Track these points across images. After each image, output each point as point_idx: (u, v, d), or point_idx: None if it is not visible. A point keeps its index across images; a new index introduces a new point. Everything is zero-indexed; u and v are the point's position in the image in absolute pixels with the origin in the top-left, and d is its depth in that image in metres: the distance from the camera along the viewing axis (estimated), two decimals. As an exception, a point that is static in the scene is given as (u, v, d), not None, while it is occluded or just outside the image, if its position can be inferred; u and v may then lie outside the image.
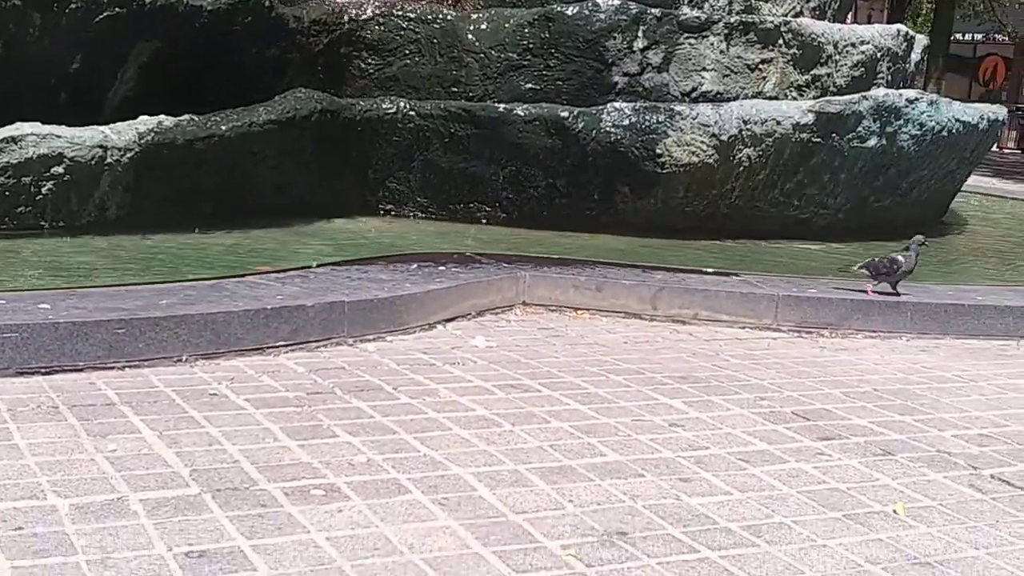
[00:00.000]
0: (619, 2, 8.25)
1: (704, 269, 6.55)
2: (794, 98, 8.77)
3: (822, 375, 4.99)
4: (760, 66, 8.75)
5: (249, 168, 7.22)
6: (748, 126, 7.83)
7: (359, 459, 3.47)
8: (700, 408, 4.31)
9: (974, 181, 12.18)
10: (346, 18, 8.23)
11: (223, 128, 6.99)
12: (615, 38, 8.24)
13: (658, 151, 7.76)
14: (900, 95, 8.43)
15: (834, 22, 10.03)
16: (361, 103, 7.90)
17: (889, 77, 9.60)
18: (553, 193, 7.96)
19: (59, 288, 4.90)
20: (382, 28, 8.28)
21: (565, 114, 7.80)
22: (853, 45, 9.22)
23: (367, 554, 2.80)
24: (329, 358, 4.69)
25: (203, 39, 7.41)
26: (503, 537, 2.96)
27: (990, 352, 5.79)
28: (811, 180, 8.24)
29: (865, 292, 6.09)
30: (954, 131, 8.83)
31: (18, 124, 6.31)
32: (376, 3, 8.35)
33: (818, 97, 8.65)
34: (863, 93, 8.41)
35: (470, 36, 8.26)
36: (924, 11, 38.20)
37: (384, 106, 7.92)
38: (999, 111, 9.75)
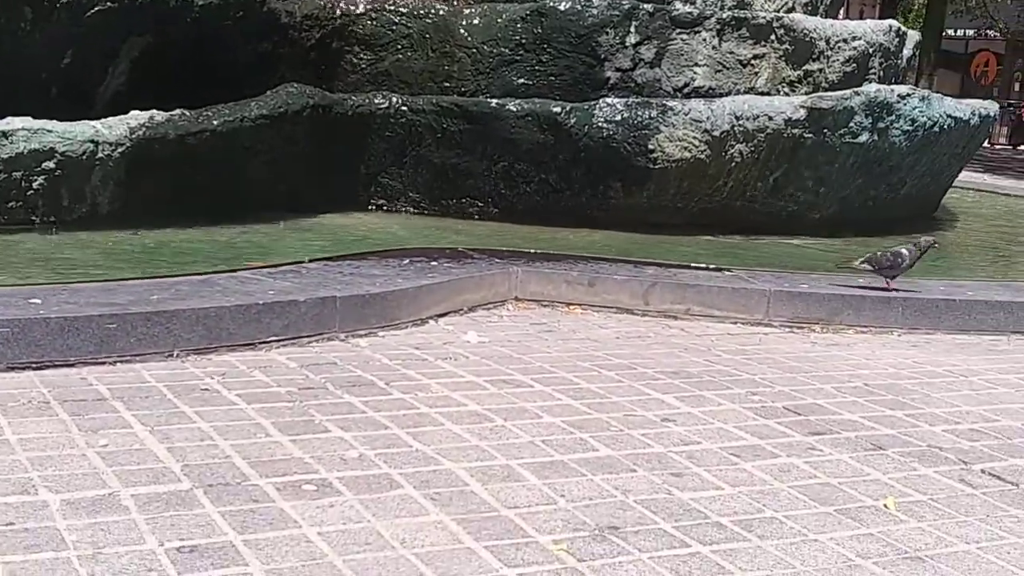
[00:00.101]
0: (611, -3, 8.26)
1: (696, 264, 6.56)
2: (786, 94, 8.77)
3: (813, 370, 5.00)
4: (752, 62, 8.76)
5: (241, 163, 7.21)
6: (740, 122, 7.84)
7: (351, 454, 3.47)
8: (692, 403, 4.31)
9: (965, 177, 12.20)
10: (338, 13, 8.22)
11: (215, 123, 6.98)
12: (607, 33, 8.24)
13: (650, 147, 7.76)
14: (892, 91, 8.44)
15: (826, 18, 10.04)
16: (353, 98, 7.90)
17: (881, 73, 9.62)
18: (545, 188, 7.96)
19: (50, 283, 4.90)
20: (374, 23, 8.28)
21: (557, 109, 7.80)
22: (845, 41, 9.23)
23: (359, 549, 2.80)
24: (321, 353, 4.69)
25: (195, 34, 7.40)
26: (495, 532, 2.96)
27: (981, 347, 5.80)
28: (803, 176, 8.25)
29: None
30: (946, 127, 8.84)
31: (8, 119, 6.29)
32: (368, -2, 8.34)
33: (810, 93, 8.66)
34: (855, 89, 8.41)
35: (462, 31, 8.25)
36: (916, 7, 38.26)
37: (376, 101, 7.91)
38: (990, 107, 9.77)
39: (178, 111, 6.87)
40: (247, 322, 4.66)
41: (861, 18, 27.36)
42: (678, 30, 8.47)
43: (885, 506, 3.36)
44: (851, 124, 8.16)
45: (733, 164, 7.97)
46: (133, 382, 4.08)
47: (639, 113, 7.78)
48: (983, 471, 3.77)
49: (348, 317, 5.00)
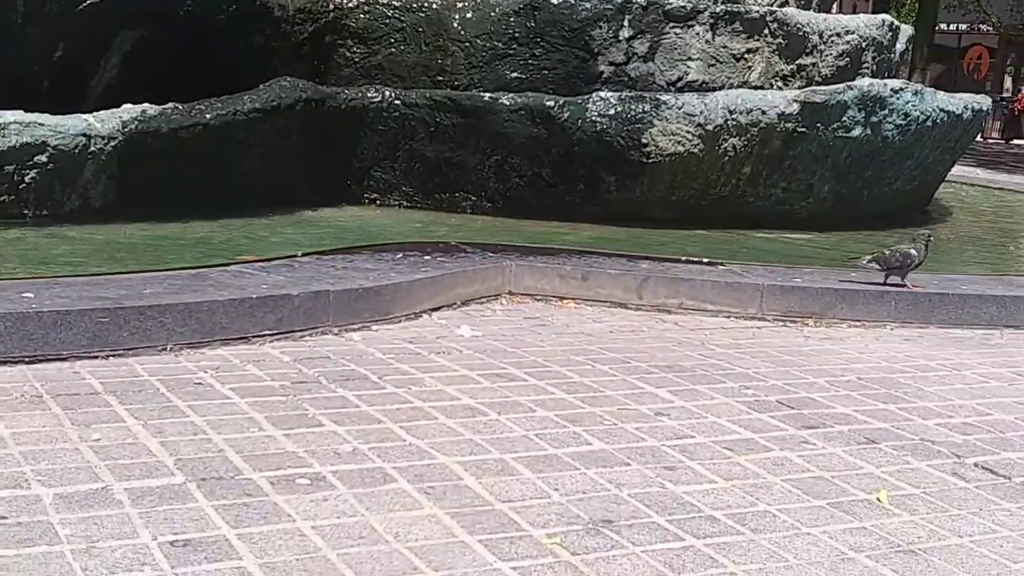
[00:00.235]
0: (605, -9, 8.25)
1: (689, 258, 6.56)
2: (779, 88, 8.77)
3: (807, 364, 5.00)
4: (746, 56, 8.76)
5: (234, 157, 7.20)
6: (733, 116, 7.84)
7: (345, 448, 3.47)
8: (685, 397, 4.32)
9: (958, 171, 12.23)
10: (331, 6, 8.21)
11: (208, 117, 6.97)
12: (601, 27, 8.23)
13: (644, 141, 7.76)
14: (885, 85, 8.45)
15: (819, 12, 10.05)
16: (346, 92, 7.89)
17: (874, 67, 9.63)
18: (538, 182, 7.96)
19: (43, 277, 4.89)
20: (367, 16, 8.27)
21: (551, 103, 7.79)
22: (838, 35, 9.23)
23: (353, 543, 2.80)
24: (314, 347, 4.68)
25: (187, 27, 7.39)
26: (489, 526, 2.96)
27: (973, 341, 5.81)
28: (796, 170, 8.25)
29: (906, 286, 6.07)
30: (939, 121, 8.85)
31: (1, 112, 6.27)
32: (361, -9, 8.33)
33: (803, 87, 8.66)
34: (848, 83, 8.42)
35: (456, 25, 8.24)
36: (909, 1, 38.29)
37: (369, 95, 7.91)
38: (983, 101, 9.78)
39: (171, 105, 6.86)
40: (240, 316, 4.65)
41: (854, 12, 27.37)
42: (671, 24, 8.46)
43: (878, 499, 3.37)
44: (844, 118, 8.16)
45: (726, 158, 7.97)
46: (126, 376, 4.07)
47: (632, 107, 7.78)
48: (976, 465, 3.78)
49: (341, 311, 4.99)
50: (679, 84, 8.53)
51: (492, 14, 8.23)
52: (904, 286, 6.09)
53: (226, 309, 4.62)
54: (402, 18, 8.27)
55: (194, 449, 3.37)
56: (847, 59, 9.28)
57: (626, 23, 8.30)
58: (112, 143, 6.55)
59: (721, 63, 8.66)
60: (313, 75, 7.90)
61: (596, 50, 8.26)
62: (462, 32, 8.23)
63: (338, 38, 8.26)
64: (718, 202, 8.16)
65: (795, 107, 7.97)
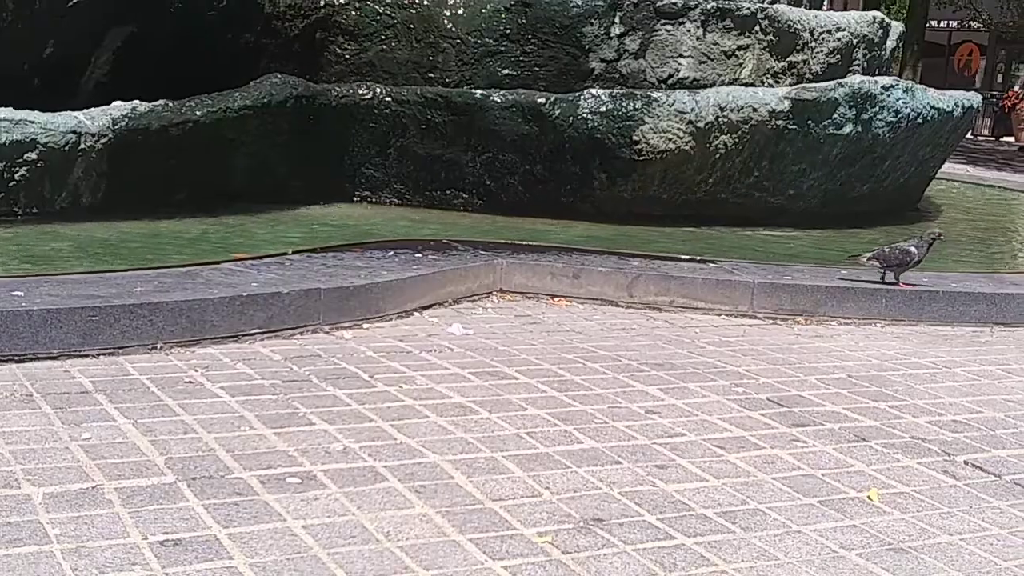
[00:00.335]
0: (596, -12, 8.25)
1: (680, 256, 6.56)
2: (770, 85, 8.78)
3: (797, 362, 5.01)
4: (737, 53, 8.76)
5: (224, 154, 7.19)
6: (724, 113, 7.84)
7: (335, 447, 3.47)
8: (676, 395, 4.32)
9: (948, 168, 12.25)
10: (322, 3, 8.19)
11: (198, 114, 6.96)
12: (592, 24, 8.23)
13: (635, 138, 7.76)
14: (876, 82, 8.46)
15: (810, 9, 10.05)
16: (337, 89, 7.88)
17: (865, 64, 9.64)
18: (530, 180, 7.95)
19: (33, 275, 4.87)
20: (358, 13, 8.25)
21: (542, 100, 7.79)
22: (829, 32, 9.24)
23: (344, 542, 2.80)
24: (305, 346, 4.68)
25: (178, 24, 7.37)
26: (480, 524, 2.96)
27: (963, 339, 5.82)
28: (787, 167, 8.26)
29: (897, 284, 6.08)
30: (929, 118, 8.87)
31: (-10, 109, 6.26)
32: (352, -12, 8.31)
33: (794, 84, 8.68)
34: (839, 80, 8.44)
35: (447, 21, 8.23)
36: (899, -2, 38.32)
37: (360, 92, 7.90)
38: (973, 98, 9.79)
39: (161, 102, 6.85)
40: (231, 314, 4.65)
41: (845, 9, 27.39)
42: (662, 21, 8.46)
43: (868, 497, 3.37)
44: (835, 115, 8.17)
45: (717, 155, 7.98)
46: (116, 375, 4.06)
47: (624, 104, 7.78)
48: (966, 462, 3.79)
49: (332, 309, 4.99)
50: (670, 81, 8.53)
51: (483, 11, 8.22)
52: (895, 283, 6.10)
53: (217, 307, 4.61)
54: (393, 15, 8.26)
55: (184, 448, 3.37)
56: (838, 56, 9.29)
57: (617, 20, 8.30)
58: (102, 140, 6.53)
59: (712, 60, 8.66)
60: (304, 72, 7.88)
61: (587, 47, 8.26)
62: (453, 29, 8.22)
63: (329, 35, 8.25)
64: (709, 199, 8.17)
65: (786, 104, 7.98)
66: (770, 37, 8.86)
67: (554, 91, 7.95)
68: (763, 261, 6.72)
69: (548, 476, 3.35)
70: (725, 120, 7.85)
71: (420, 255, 5.96)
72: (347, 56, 8.30)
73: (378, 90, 7.92)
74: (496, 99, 7.82)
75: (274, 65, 7.75)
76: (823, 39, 9.20)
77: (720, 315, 5.86)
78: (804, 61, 9.11)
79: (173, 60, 7.31)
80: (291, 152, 7.57)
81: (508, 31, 8.19)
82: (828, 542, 3.02)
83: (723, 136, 7.90)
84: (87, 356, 4.24)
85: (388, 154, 8.01)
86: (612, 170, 7.90)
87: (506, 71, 8.20)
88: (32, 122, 6.30)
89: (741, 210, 8.26)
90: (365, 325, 5.07)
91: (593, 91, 7.88)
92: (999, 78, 39.64)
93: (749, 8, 8.84)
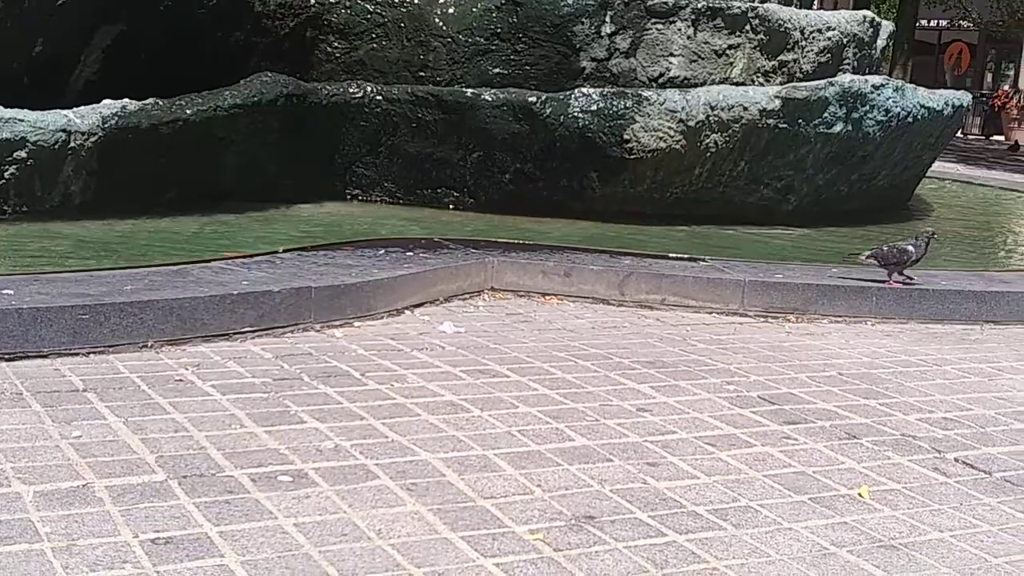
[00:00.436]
0: (587, -13, 8.25)
1: (671, 254, 6.57)
2: (761, 84, 8.79)
3: (788, 359, 5.02)
4: (727, 52, 8.77)
5: (214, 153, 7.18)
6: (715, 112, 7.85)
7: (327, 445, 3.47)
8: (667, 393, 4.32)
9: (938, 167, 12.27)
10: (312, 1, 8.18)
11: (188, 112, 6.94)
12: (583, 23, 8.23)
13: (626, 137, 7.77)
14: (866, 81, 8.47)
15: (800, 8, 10.06)
16: (327, 87, 7.87)
17: (855, 63, 9.65)
18: (521, 178, 7.95)
19: (23, 273, 4.86)
20: (348, 11, 8.24)
21: (533, 99, 7.79)
22: (820, 31, 9.26)
23: (335, 540, 2.79)
24: (296, 344, 4.67)
25: (167, 22, 7.35)
26: (471, 522, 2.96)
27: (954, 336, 5.84)
28: (777, 166, 8.27)
29: (887, 283, 6.09)
30: (919, 117, 8.88)
31: (-21, 108, 6.24)
32: (342, -14, 8.30)
33: (785, 83, 8.68)
34: (829, 79, 8.44)
35: (437, 20, 8.23)
36: (890, -3, 38.40)
37: (351, 90, 7.88)
38: (963, 97, 9.82)
39: (151, 100, 6.83)
40: (221, 313, 4.64)
41: (836, 8, 27.44)
42: (653, 20, 8.47)
43: (859, 495, 3.38)
44: (825, 114, 8.18)
45: (708, 154, 7.98)
46: (107, 373, 4.06)
47: (614, 103, 7.78)
48: (956, 460, 3.80)
49: (323, 307, 4.98)
50: (661, 80, 8.53)
51: (474, 9, 8.22)
52: (886, 281, 6.11)
53: (207, 306, 4.60)
54: (383, 13, 8.25)
55: (175, 446, 3.36)
56: (828, 55, 9.30)
57: (608, 19, 8.31)
58: (92, 139, 6.51)
59: (703, 59, 8.67)
60: (294, 70, 7.87)
61: (578, 46, 8.26)
62: (444, 28, 8.21)
63: (319, 33, 8.24)
64: (699, 198, 8.17)
65: (776, 103, 7.99)
66: (760, 36, 8.87)
67: (545, 90, 7.95)
68: (754, 259, 6.73)
69: (540, 474, 3.35)
70: (716, 119, 7.86)
71: (411, 253, 5.96)
72: (338, 55, 8.29)
73: (369, 89, 7.91)
74: (487, 98, 7.82)
75: (264, 64, 7.74)
76: (813, 38, 9.22)
77: (711, 313, 5.86)
78: (794, 60, 9.13)
79: (163, 59, 7.30)
80: (281, 151, 7.56)
81: (499, 30, 8.19)
82: (819, 539, 3.02)
83: (714, 135, 7.90)
84: (77, 354, 4.23)
85: (379, 153, 8.00)
86: (603, 169, 7.90)
87: (497, 70, 8.20)
88: (22, 120, 6.28)
89: (732, 209, 8.27)
90: (356, 323, 5.07)
91: (584, 90, 7.88)
92: (989, 77, 39.75)
93: (739, 7, 8.85)
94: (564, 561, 2.77)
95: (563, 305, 5.83)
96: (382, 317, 5.23)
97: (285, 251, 5.76)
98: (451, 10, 8.25)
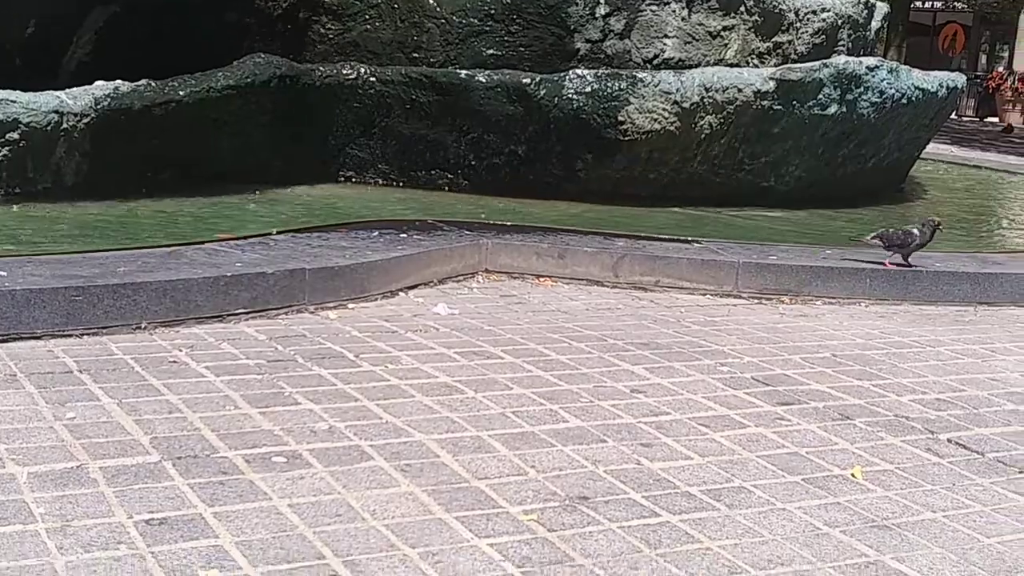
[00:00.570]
0: (581, -32, 8.22)
1: (665, 236, 6.56)
2: (755, 65, 8.77)
3: (782, 341, 5.03)
4: (722, 33, 8.75)
5: (207, 134, 7.15)
6: (710, 93, 7.83)
7: (321, 426, 3.47)
8: (661, 374, 4.33)
9: (933, 149, 12.27)
10: (305, -18, 8.15)
11: (181, 94, 6.91)
12: (577, 4, 8.21)
13: (620, 118, 7.75)
14: (860, 62, 8.45)
15: (795, -11, 10.03)
16: (321, 69, 7.83)
17: (850, 45, 9.63)
18: (515, 160, 7.93)
19: (15, 255, 4.85)
20: (342, -8, 8.21)
21: (527, 81, 7.76)
22: (814, 12, 9.24)
23: (329, 521, 2.80)
24: (290, 325, 4.67)
25: (160, 4, 7.32)
26: (466, 503, 2.96)
27: (947, 318, 5.85)
28: (772, 147, 8.26)
29: (883, 264, 6.10)
30: (914, 99, 8.87)
31: (-28, 90, 6.21)
32: (336, -33, 8.27)
33: (779, 64, 8.67)
34: (824, 60, 8.43)
35: (431, 1, 8.20)
36: (884, -21, 38.27)
37: (344, 72, 7.85)
38: (958, 79, 9.81)
39: (144, 81, 6.80)
40: (215, 294, 4.63)
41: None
42: (648, 1, 8.45)
43: (852, 475, 3.39)
44: (820, 96, 8.17)
45: (702, 136, 7.97)
46: (100, 355, 4.05)
47: (609, 84, 7.76)
48: (949, 440, 3.81)
49: (317, 289, 4.98)
50: (655, 62, 8.52)
51: (468, -10, 8.19)
52: (881, 263, 6.12)
53: (201, 287, 4.60)
54: (377, -6, 8.22)
55: (169, 427, 3.36)
56: (823, 37, 9.29)
57: (602, 0, 8.28)
58: (84, 120, 6.48)
59: (697, 40, 8.65)
60: (287, 52, 7.84)
61: (572, 27, 8.24)
62: (438, 9, 8.18)
63: (312, 14, 8.21)
64: (694, 180, 8.16)
65: (771, 85, 7.97)
66: (755, 18, 8.86)
67: (539, 71, 7.92)
68: (748, 241, 6.73)
69: (534, 455, 3.36)
70: (710, 100, 7.84)
71: (405, 235, 5.95)
72: (331, 36, 8.26)
73: (362, 70, 7.88)
74: (481, 79, 7.79)
75: (257, 45, 7.70)
76: (808, 20, 9.20)
77: (705, 295, 5.87)
78: (789, 42, 9.11)
79: (156, 40, 7.27)
80: (275, 132, 7.53)
81: (493, 11, 8.16)
82: (812, 519, 3.03)
83: (708, 116, 7.89)
84: (71, 336, 4.22)
85: (373, 134, 7.98)
86: (597, 150, 7.88)
87: (491, 51, 8.17)
88: (14, 102, 6.25)
89: (726, 190, 8.26)
90: (350, 305, 5.07)
91: (578, 71, 7.85)
92: (983, 58, 39.72)
93: (734, -12, 8.83)
94: (558, 541, 2.77)
95: (557, 287, 5.83)
96: (376, 299, 5.22)
97: (279, 233, 5.75)
98: (445, -9, 8.22)
